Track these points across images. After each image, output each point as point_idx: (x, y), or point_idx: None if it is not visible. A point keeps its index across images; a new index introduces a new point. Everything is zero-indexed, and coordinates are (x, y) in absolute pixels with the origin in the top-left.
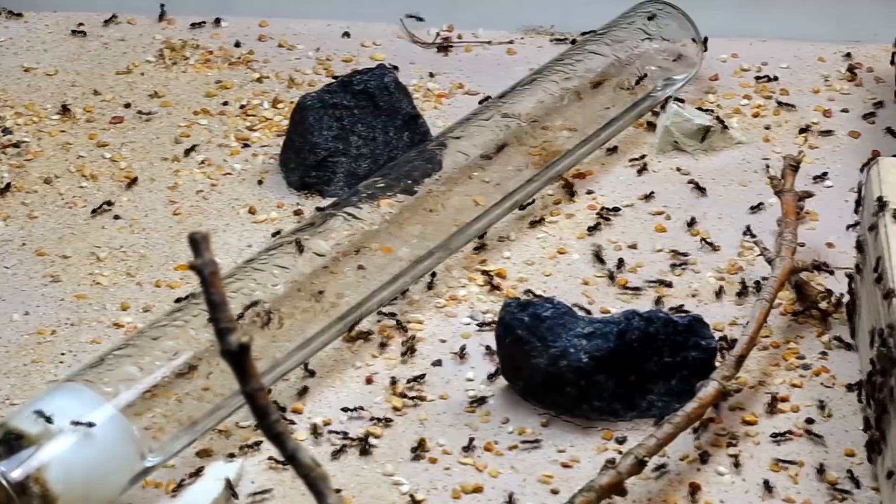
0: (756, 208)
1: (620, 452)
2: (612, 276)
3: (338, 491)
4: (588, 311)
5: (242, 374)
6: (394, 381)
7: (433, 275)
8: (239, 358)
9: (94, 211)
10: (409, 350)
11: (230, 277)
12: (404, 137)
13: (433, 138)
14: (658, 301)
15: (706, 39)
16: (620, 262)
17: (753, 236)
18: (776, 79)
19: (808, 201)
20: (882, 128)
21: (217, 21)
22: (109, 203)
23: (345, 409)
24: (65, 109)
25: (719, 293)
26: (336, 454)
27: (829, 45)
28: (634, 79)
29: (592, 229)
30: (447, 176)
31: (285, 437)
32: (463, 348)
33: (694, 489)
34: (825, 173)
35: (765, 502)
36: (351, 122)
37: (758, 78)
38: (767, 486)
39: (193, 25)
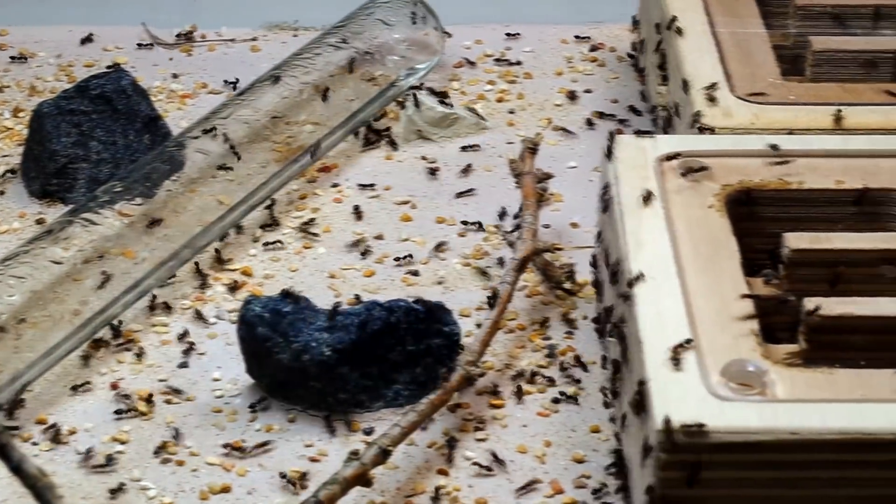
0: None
1: (368, 444)
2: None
3: None
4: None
5: None
6: (139, 386)
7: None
8: None
9: None
10: (156, 353)
11: None
12: (145, 140)
13: (172, 139)
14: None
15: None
16: (365, 253)
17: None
18: (519, 63)
19: (551, 182)
20: (625, 106)
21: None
22: None
23: (88, 419)
24: None
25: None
26: (82, 462)
27: (572, 28)
28: (377, 70)
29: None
30: (188, 176)
31: (10, 448)
32: (209, 349)
33: (442, 475)
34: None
35: (512, 484)
36: (90, 128)
37: (498, 60)
38: (497, 460)
39: None
